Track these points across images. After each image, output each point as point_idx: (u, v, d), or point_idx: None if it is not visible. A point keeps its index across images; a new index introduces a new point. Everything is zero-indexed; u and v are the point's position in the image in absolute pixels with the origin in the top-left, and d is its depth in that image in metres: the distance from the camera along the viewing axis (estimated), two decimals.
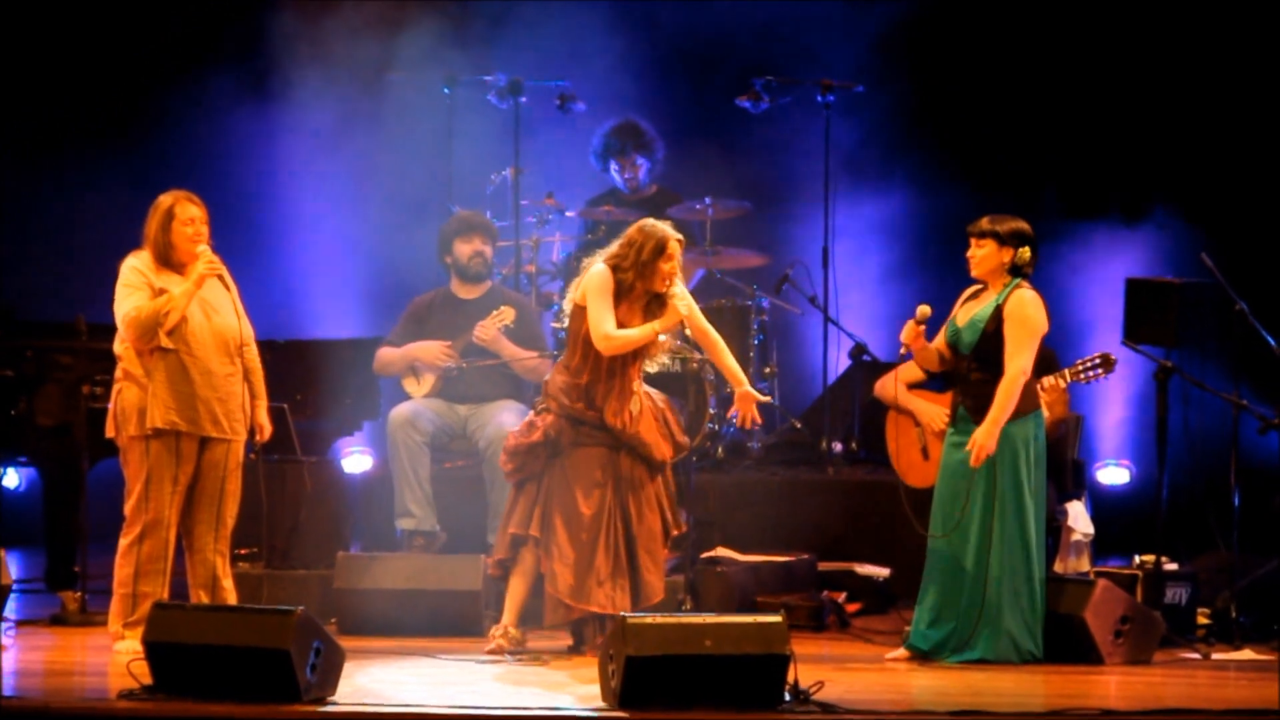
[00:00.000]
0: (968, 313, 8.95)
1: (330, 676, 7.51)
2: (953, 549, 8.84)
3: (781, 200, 12.90)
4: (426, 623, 9.45)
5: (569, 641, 9.01)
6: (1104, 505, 11.62)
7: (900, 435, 9.94)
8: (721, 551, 10.43)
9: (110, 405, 8.95)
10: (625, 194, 12.16)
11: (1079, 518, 10.22)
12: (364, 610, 9.59)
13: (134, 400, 8.83)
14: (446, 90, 12.27)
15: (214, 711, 7.28)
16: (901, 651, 8.93)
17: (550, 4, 12.69)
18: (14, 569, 10.02)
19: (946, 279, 9.07)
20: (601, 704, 7.47)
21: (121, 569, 8.85)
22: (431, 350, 10.55)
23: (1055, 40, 12.61)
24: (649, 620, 7.41)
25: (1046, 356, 9.61)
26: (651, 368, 9.06)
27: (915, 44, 12.69)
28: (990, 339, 8.83)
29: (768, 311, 11.73)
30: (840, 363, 11.95)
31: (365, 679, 8.06)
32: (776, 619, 7.48)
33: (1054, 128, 12.69)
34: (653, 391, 9.06)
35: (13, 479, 12.59)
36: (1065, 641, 8.84)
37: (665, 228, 8.90)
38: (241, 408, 8.98)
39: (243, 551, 9.92)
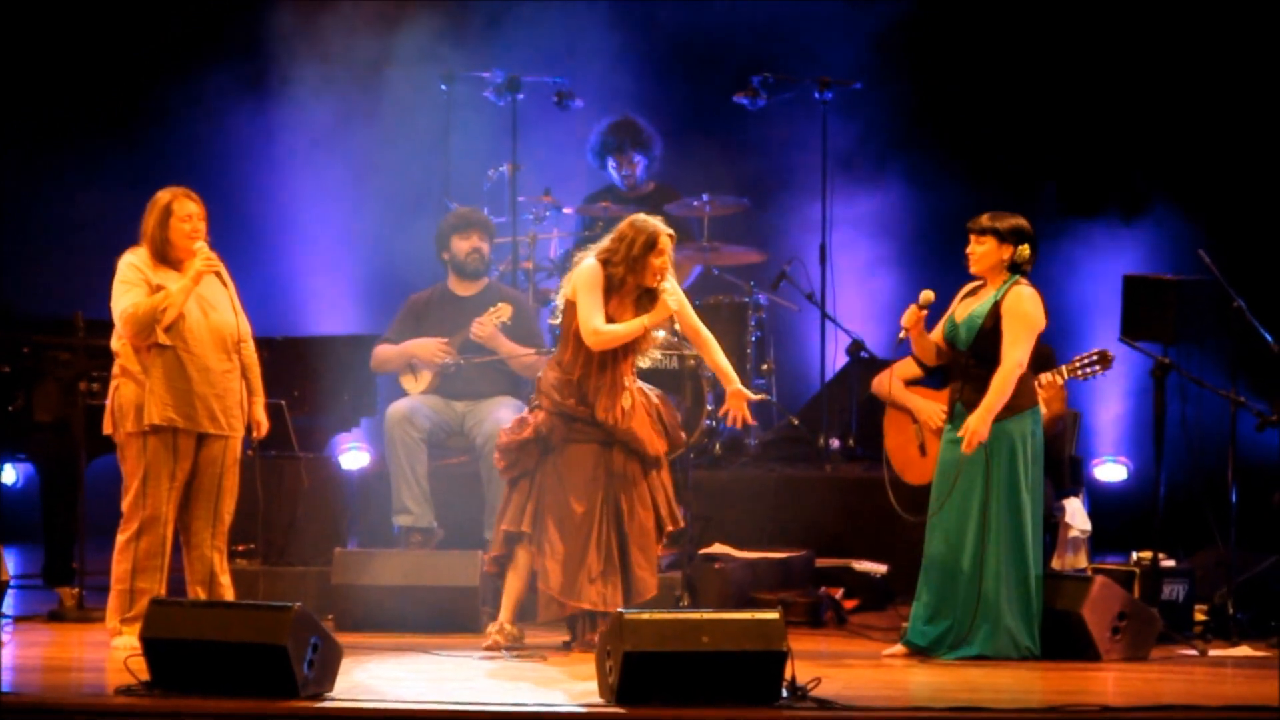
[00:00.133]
0: (966, 309, 8.95)
1: (327, 672, 7.51)
2: (950, 546, 8.83)
3: (779, 197, 12.91)
4: (424, 619, 9.45)
5: (566, 637, 9.01)
6: (1101, 502, 11.63)
7: (898, 432, 9.95)
8: (719, 548, 10.43)
9: (108, 401, 8.94)
10: (623, 191, 12.16)
11: (1076, 514, 10.22)
12: (361, 606, 9.58)
13: (131, 396, 8.82)
14: (444, 87, 12.27)
15: (211, 707, 7.28)
16: (899, 648, 8.92)
17: (548, 1, 12.69)
18: (12, 565, 10.04)
19: (945, 276, 9.06)
20: (599, 700, 7.46)
21: (119, 565, 8.85)
22: (429, 347, 10.55)
23: (1054, 37, 12.61)
24: (646, 616, 7.41)
25: (1044, 353, 9.62)
26: (644, 363, 9.05)
27: (913, 41, 12.69)
28: (988, 335, 8.83)
29: (765, 308, 11.73)
30: (838, 359, 11.95)
31: (363, 675, 8.06)
32: (774, 615, 7.48)
33: (1053, 125, 12.70)
34: (647, 387, 9.06)
35: (10, 475, 12.60)
36: (1063, 638, 8.84)
37: (656, 222, 8.90)
38: (239, 404, 8.98)
39: (240, 548, 9.91)
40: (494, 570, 9.05)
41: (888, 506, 9.28)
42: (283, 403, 10.19)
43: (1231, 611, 9.46)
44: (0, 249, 12.65)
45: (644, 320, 8.83)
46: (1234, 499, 9.52)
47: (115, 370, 8.91)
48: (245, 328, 9.04)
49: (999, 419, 8.78)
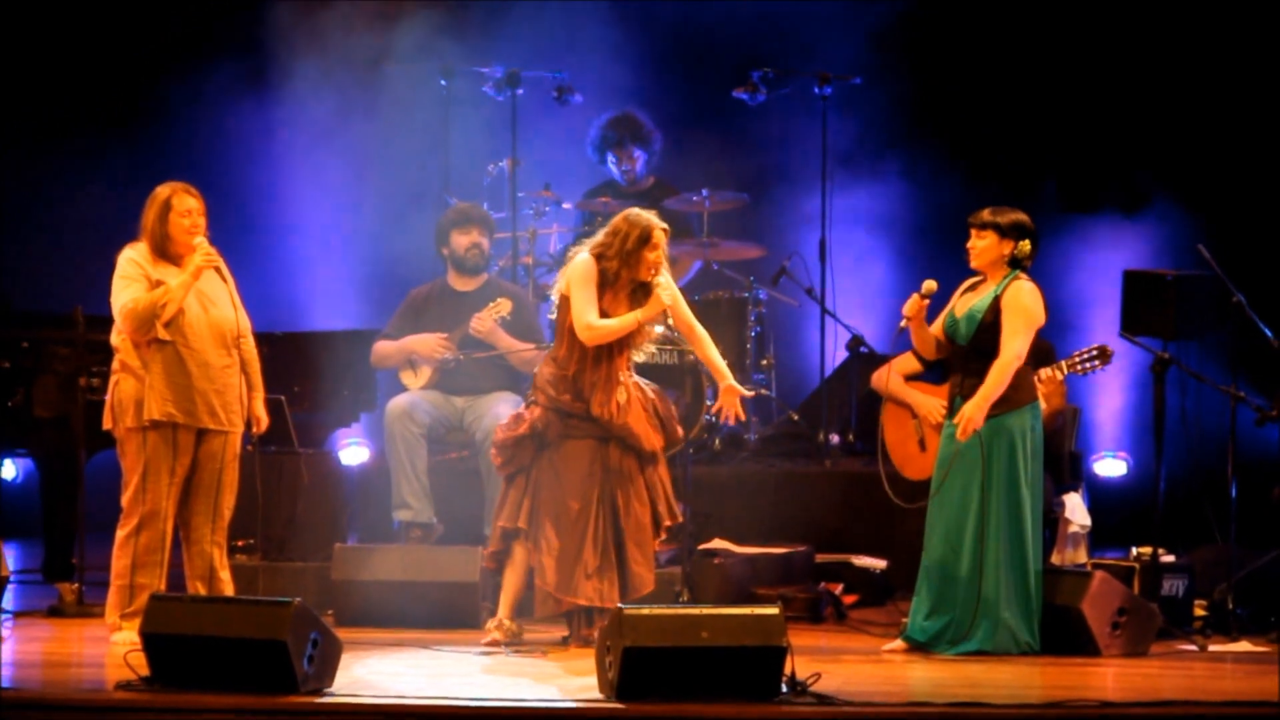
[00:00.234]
0: (965, 304, 8.95)
1: (327, 668, 7.51)
2: (950, 541, 8.83)
3: (779, 192, 12.91)
4: (423, 614, 9.45)
5: (565, 633, 9.01)
6: (1101, 497, 11.63)
7: (897, 427, 9.95)
8: (719, 543, 10.43)
9: (107, 397, 8.94)
10: (622, 186, 12.16)
11: (1076, 509, 10.22)
12: (361, 602, 9.58)
13: (131, 392, 8.82)
14: (443, 82, 12.27)
15: (211, 702, 7.27)
16: (899, 643, 8.92)
17: None
18: (11, 560, 10.04)
19: (945, 271, 9.05)
20: (598, 695, 7.46)
21: (119, 560, 8.85)
22: (428, 343, 10.55)
23: (1054, 32, 12.61)
24: (646, 612, 7.41)
25: (1044, 349, 9.62)
26: (639, 357, 9.04)
27: (914, 37, 12.68)
28: (988, 330, 8.83)
29: (765, 303, 11.73)
30: (837, 355, 11.95)
31: (362, 670, 8.06)
32: (773, 611, 7.47)
33: (1053, 120, 12.69)
34: (644, 382, 9.05)
35: (10, 470, 12.60)
36: (1062, 633, 8.84)
37: (650, 216, 8.89)
38: (239, 399, 8.98)
39: (240, 543, 9.92)
40: (492, 567, 9.05)
41: (887, 502, 9.29)
42: (282, 398, 10.19)
43: (1231, 607, 9.46)
44: (0, 244, 12.65)
45: (637, 315, 8.83)
46: (1234, 494, 9.52)
47: (115, 365, 8.91)
48: (245, 323, 9.04)
49: (999, 414, 8.78)
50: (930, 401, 9.71)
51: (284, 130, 12.82)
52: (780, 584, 10.24)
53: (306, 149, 12.79)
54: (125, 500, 8.86)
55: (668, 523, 9.00)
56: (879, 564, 10.51)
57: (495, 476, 9.62)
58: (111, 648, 8.62)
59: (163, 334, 8.81)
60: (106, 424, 8.94)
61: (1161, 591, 9.50)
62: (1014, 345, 8.77)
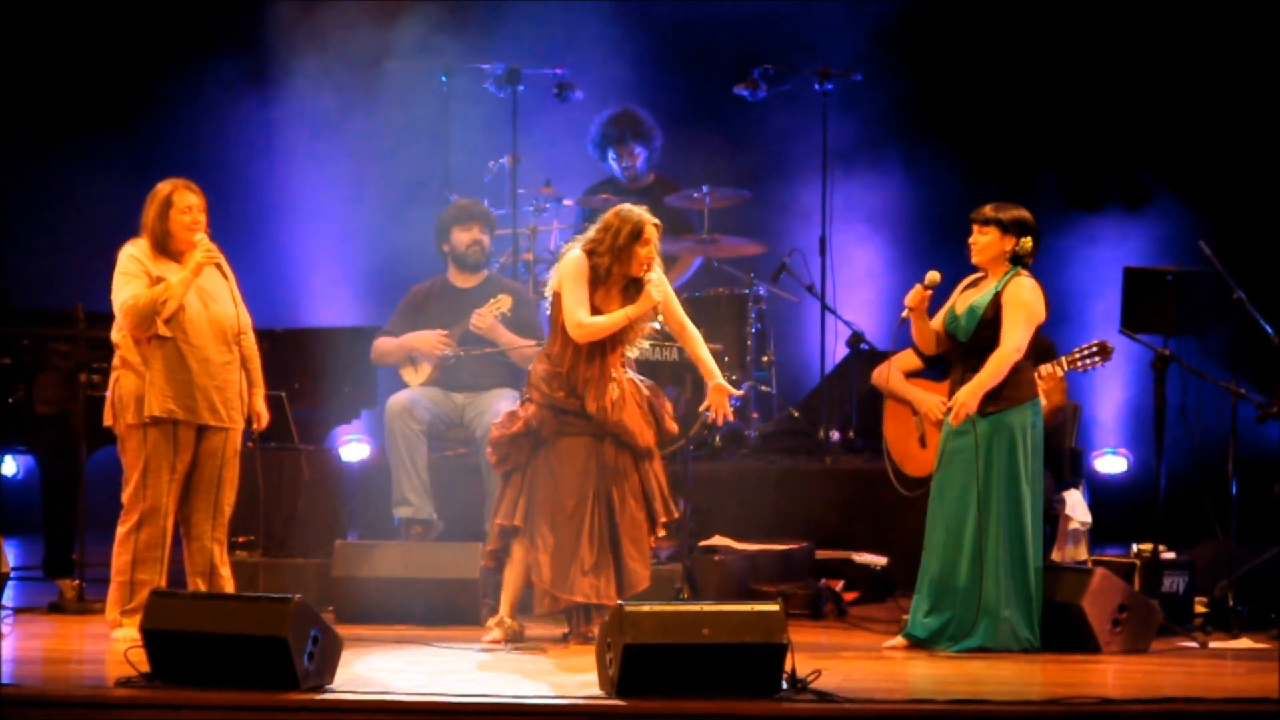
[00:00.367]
0: (966, 300, 8.94)
1: (328, 664, 7.51)
2: (950, 538, 8.83)
3: (779, 189, 12.90)
4: (424, 611, 9.45)
5: (566, 629, 9.01)
6: (1101, 494, 11.64)
7: (898, 424, 9.95)
8: (719, 540, 10.43)
9: (108, 393, 8.94)
10: (623, 182, 12.16)
11: (1076, 506, 10.22)
12: (361, 598, 9.58)
13: (132, 388, 8.82)
14: (444, 78, 12.27)
15: (211, 699, 7.28)
16: (899, 640, 8.92)
17: None
18: (12, 557, 10.04)
19: (945, 268, 9.05)
20: (599, 692, 7.46)
21: (119, 557, 8.85)
22: (429, 339, 10.55)
23: (1055, 29, 12.60)
24: (646, 608, 7.40)
25: (1044, 345, 9.62)
26: (632, 353, 9.02)
27: (914, 33, 12.68)
28: (988, 326, 8.82)
29: (765, 300, 11.72)
30: (838, 351, 11.95)
31: (363, 667, 8.06)
32: (774, 607, 7.47)
33: (1054, 116, 12.69)
34: (639, 378, 9.03)
35: (11, 467, 12.60)
36: (1063, 630, 8.84)
37: (642, 212, 8.88)
38: (239, 396, 8.98)
39: (240, 539, 9.92)
40: (492, 565, 9.04)
41: (888, 498, 9.29)
42: (283, 394, 10.20)
43: (1232, 604, 9.45)
44: (0, 241, 12.65)
45: (628, 311, 8.81)
46: (1234, 491, 9.52)
47: (115, 362, 8.91)
48: (245, 319, 9.04)
49: (999, 411, 8.78)
50: (931, 398, 9.71)
51: (285, 127, 12.83)
52: (781, 581, 10.24)
53: (307, 146, 12.80)
54: (126, 497, 8.86)
55: (663, 519, 8.98)
56: (879, 561, 10.51)
57: (495, 473, 9.63)
58: (112, 644, 8.62)
59: (163, 330, 8.81)
60: (107, 420, 8.95)
61: (1162, 588, 9.49)
62: (1013, 338, 8.77)
